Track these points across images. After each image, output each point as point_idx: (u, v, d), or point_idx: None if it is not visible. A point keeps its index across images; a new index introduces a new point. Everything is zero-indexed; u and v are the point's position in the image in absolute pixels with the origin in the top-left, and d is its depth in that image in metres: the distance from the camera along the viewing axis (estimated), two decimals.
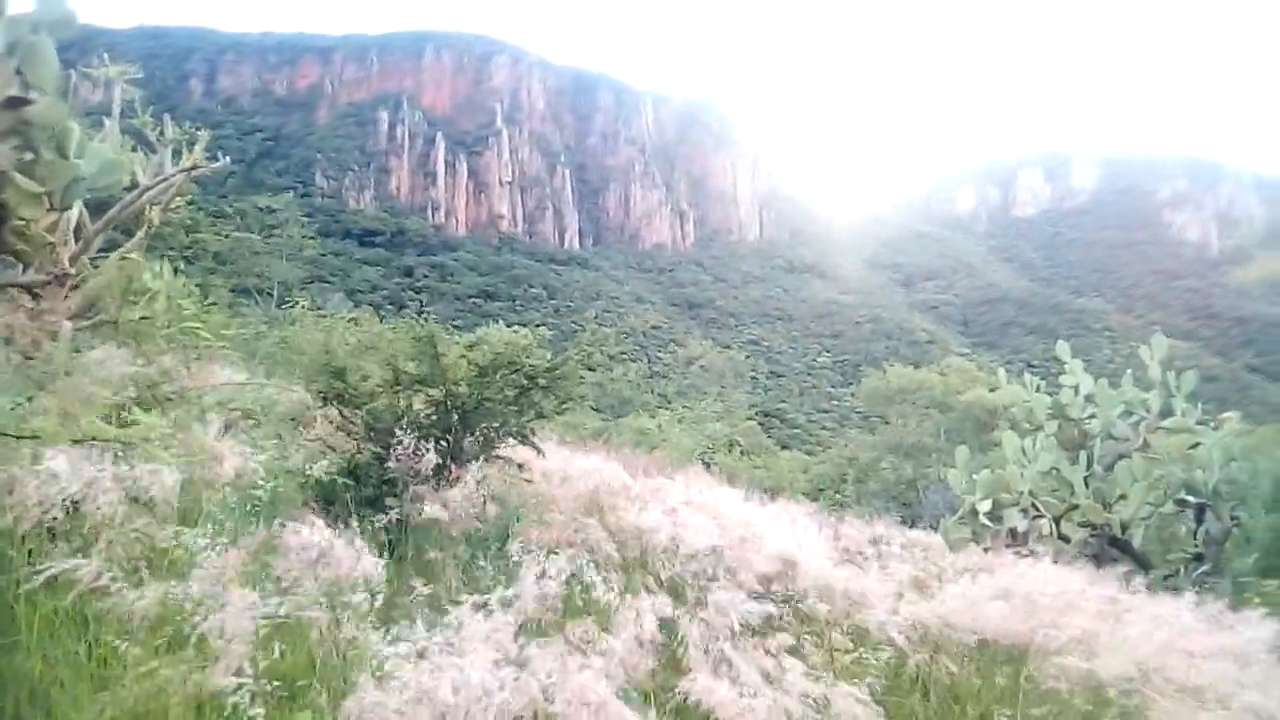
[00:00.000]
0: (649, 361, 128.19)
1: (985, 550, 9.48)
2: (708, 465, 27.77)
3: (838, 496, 31.48)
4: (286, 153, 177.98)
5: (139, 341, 9.08)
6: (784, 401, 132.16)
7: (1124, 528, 12.64)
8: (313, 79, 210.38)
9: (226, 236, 38.84)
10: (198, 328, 9.97)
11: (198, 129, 9.61)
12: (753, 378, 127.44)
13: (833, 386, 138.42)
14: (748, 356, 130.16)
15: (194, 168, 8.84)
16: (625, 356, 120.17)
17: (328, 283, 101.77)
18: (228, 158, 9.67)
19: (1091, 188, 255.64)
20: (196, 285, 12.91)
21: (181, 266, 13.16)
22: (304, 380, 8.78)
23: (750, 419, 62.03)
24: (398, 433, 6.82)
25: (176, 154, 8.86)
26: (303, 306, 18.81)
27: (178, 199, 9.30)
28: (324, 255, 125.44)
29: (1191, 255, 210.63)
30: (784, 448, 68.81)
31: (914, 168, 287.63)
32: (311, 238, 56.21)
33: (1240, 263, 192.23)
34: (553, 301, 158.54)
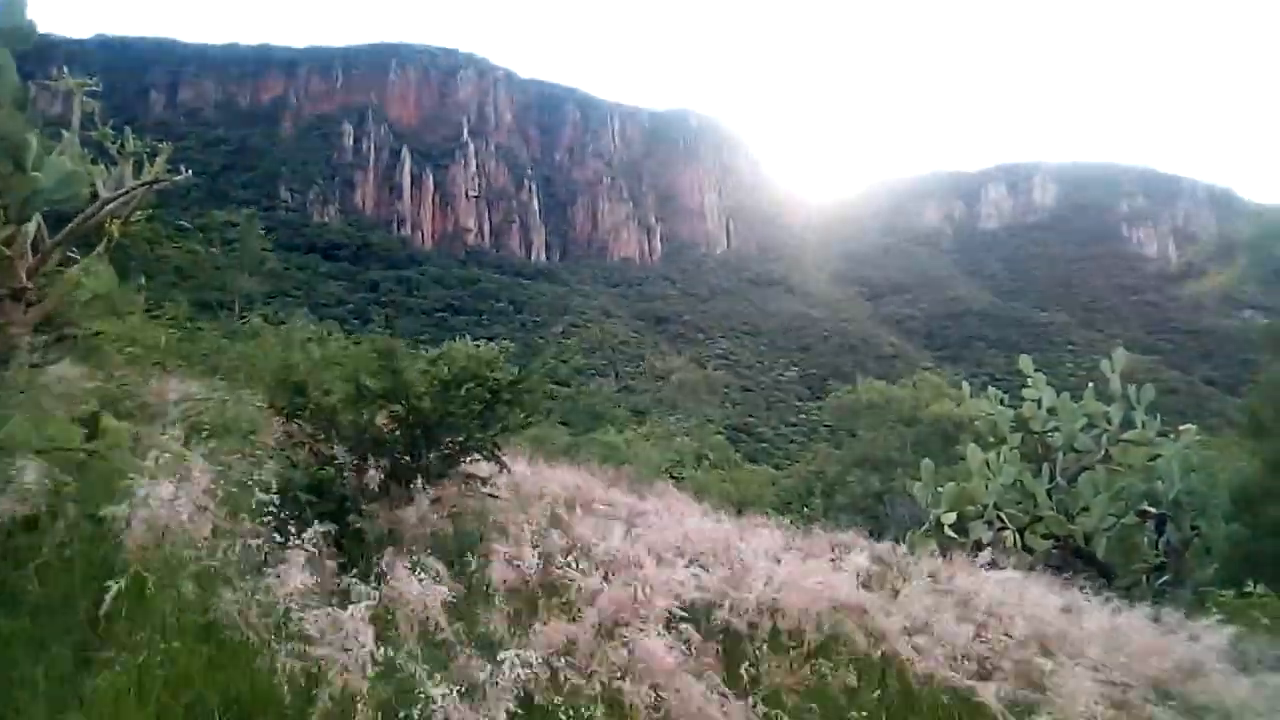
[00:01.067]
0: (617, 375, 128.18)
1: (943, 558, 9.51)
2: (676, 480, 27.74)
3: (805, 510, 31.52)
4: (250, 165, 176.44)
5: (98, 356, 8.94)
6: (752, 415, 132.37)
7: (1087, 539, 12.77)
8: (277, 91, 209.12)
9: (188, 250, 38.34)
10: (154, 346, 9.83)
11: (159, 141, 9.46)
12: (722, 391, 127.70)
13: (800, 400, 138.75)
14: (718, 370, 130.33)
15: (155, 180, 8.71)
16: (593, 371, 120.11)
17: (291, 296, 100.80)
18: (189, 171, 9.52)
19: (1053, 203, 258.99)
20: (154, 299, 12.75)
21: (143, 281, 12.98)
22: (265, 395, 8.67)
23: (718, 433, 62.05)
24: (358, 448, 6.77)
25: (137, 166, 8.71)
26: (264, 320, 18.61)
27: (138, 212, 9.16)
28: (287, 269, 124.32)
29: (1150, 269, 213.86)
30: (752, 461, 68.93)
31: (881, 182, 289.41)
32: (273, 251, 55.66)
33: (1195, 277, 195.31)
34: (520, 316, 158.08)
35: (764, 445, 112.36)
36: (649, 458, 34.21)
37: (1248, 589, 12.14)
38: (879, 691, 5.36)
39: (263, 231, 55.80)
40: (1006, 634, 6.28)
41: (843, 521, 19.98)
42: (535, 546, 6.33)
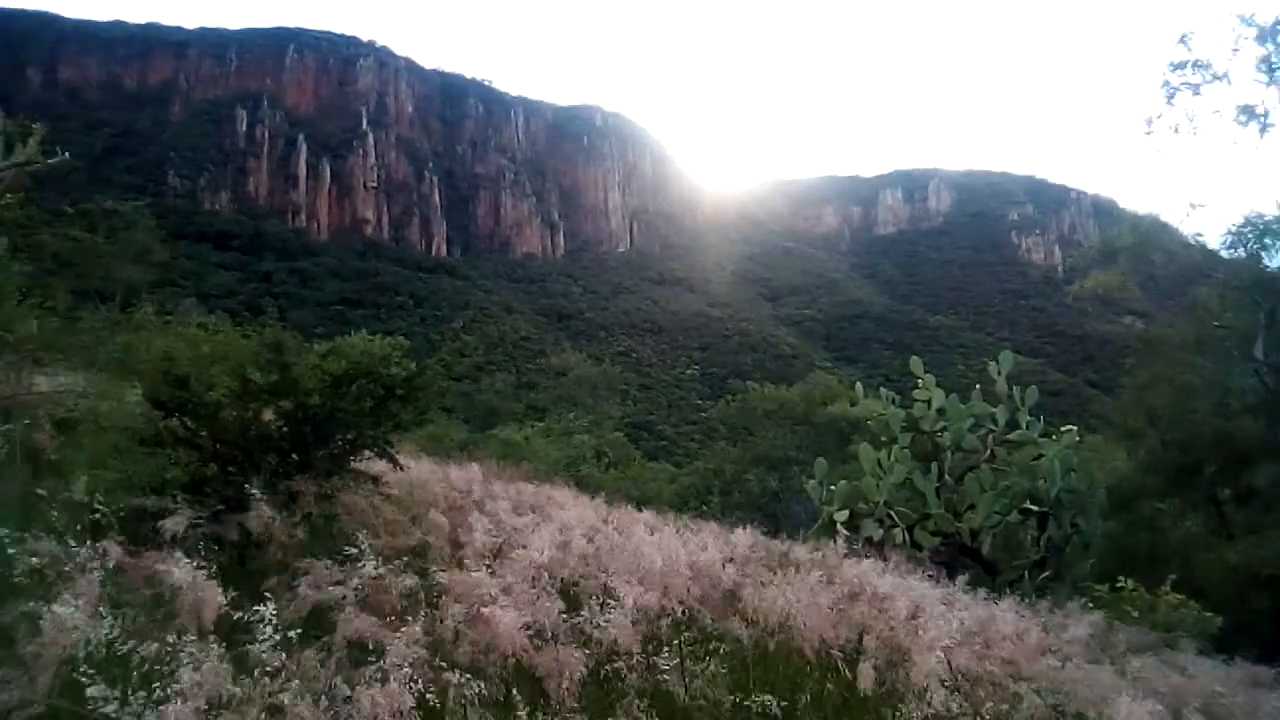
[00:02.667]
0: (518, 372, 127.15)
1: (819, 553, 9.74)
2: (575, 477, 27.63)
3: (703, 508, 31.74)
4: (137, 150, 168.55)
5: None
6: (652, 413, 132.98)
7: (973, 536, 13.17)
8: (165, 74, 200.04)
9: (68, 237, 36.46)
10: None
11: (34, 121, 8.98)
12: (622, 389, 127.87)
13: (701, 399, 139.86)
14: (621, 370, 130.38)
15: (28, 162, 8.27)
16: (494, 367, 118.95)
17: (179, 287, 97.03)
18: (67, 154, 9.07)
19: (947, 210, 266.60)
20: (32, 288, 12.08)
21: (16, 268, 12.25)
22: (145, 390, 8.27)
23: (618, 430, 62.07)
24: (242, 445, 6.52)
25: (9, 147, 8.25)
26: (148, 311, 17.81)
27: (9, 195, 8.68)
28: (175, 258, 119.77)
29: (1037, 276, 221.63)
30: (652, 459, 69.16)
31: (781, 185, 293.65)
32: (162, 240, 53.38)
33: (1078, 282, 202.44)
34: (420, 310, 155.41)
35: (664, 443, 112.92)
36: (547, 455, 33.98)
37: (1120, 583, 12.68)
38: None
39: (150, 220, 53.50)
40: (881, 614, 6.57)
41: (740, 518, 20.20)
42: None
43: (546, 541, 6.35)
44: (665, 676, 5.09)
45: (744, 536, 8.96)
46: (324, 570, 5.06)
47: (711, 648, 5.65)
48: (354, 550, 4.99)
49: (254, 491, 6.07)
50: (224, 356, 8.08)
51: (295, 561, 5.37)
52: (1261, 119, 24.05)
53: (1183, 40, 25.13)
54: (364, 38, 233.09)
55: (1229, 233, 24.80)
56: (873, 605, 6.86)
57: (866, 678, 5.19)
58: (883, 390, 15.16)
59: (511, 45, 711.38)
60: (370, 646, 4.22)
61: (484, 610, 4.58)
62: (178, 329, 12.01)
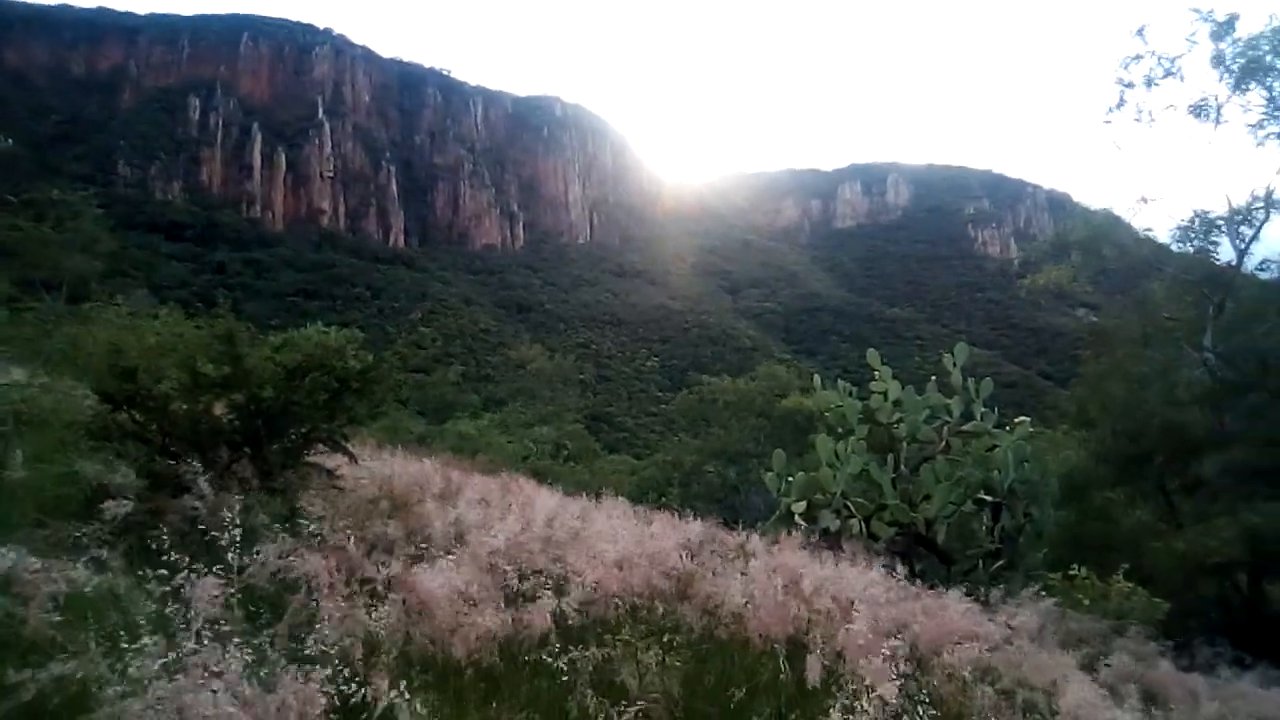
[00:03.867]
0: (477, 365, 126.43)
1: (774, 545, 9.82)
2: (533, 470, 27.55)
3: (663, 499, 31.80)
4: (85, 138, 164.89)
5: None
6: (612, 405, 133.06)
7: (928, 526, 13.29)
8: (115, 60, 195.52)
9: (12, 227, 35.54)
10: None
11: None
12: (582, 381, 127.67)
13: (661, 391, 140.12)
14: (577, 360, 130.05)
15: None
16: (452, 359, 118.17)
17: (130, 277, 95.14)
18: (10, 140, 8.81)
19: (905, 203, 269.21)
20: None
21: None
22: (93, 383, 8.08)
23: (577, 423, 62.00)
24: (193, 439, 6.40)
25: None
26: (98, 302, 17.46)
27: None
28: (126, 248, 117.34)
29: (993, 269, 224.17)
30: (613, 451, 69.15)
31: (741, 177, 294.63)
32: (111, 230, 52.23)
33: (1032, 274, 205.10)
34: (377, 302, 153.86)
35: (624, 435, 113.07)
36: (505, 447, 33.89)
37: (1073, 571, 12.89)
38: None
39: (99, 209, 52.30)
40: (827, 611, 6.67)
41: (699, 509, 20.26)
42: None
43: (501, 532, 6.32)
44: (617, 667, 5.07)
45: (698, 527, 9.03)
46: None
47: (665, 640, 5.65)
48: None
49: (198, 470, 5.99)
50: (173, 348, 7.92)
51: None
52: (1215, 111, 24.59)
53: (1139, 33, 25.58)
54: (320, 25, 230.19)
55: (1179, 228, 25.31)
56: (820, 597, 6.92)
57: (814, 670, 5.22)
58: (840, 382, 15.24)
59: (471, 34, 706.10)
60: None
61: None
62: (124, 319, 11.78)
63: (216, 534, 4.37)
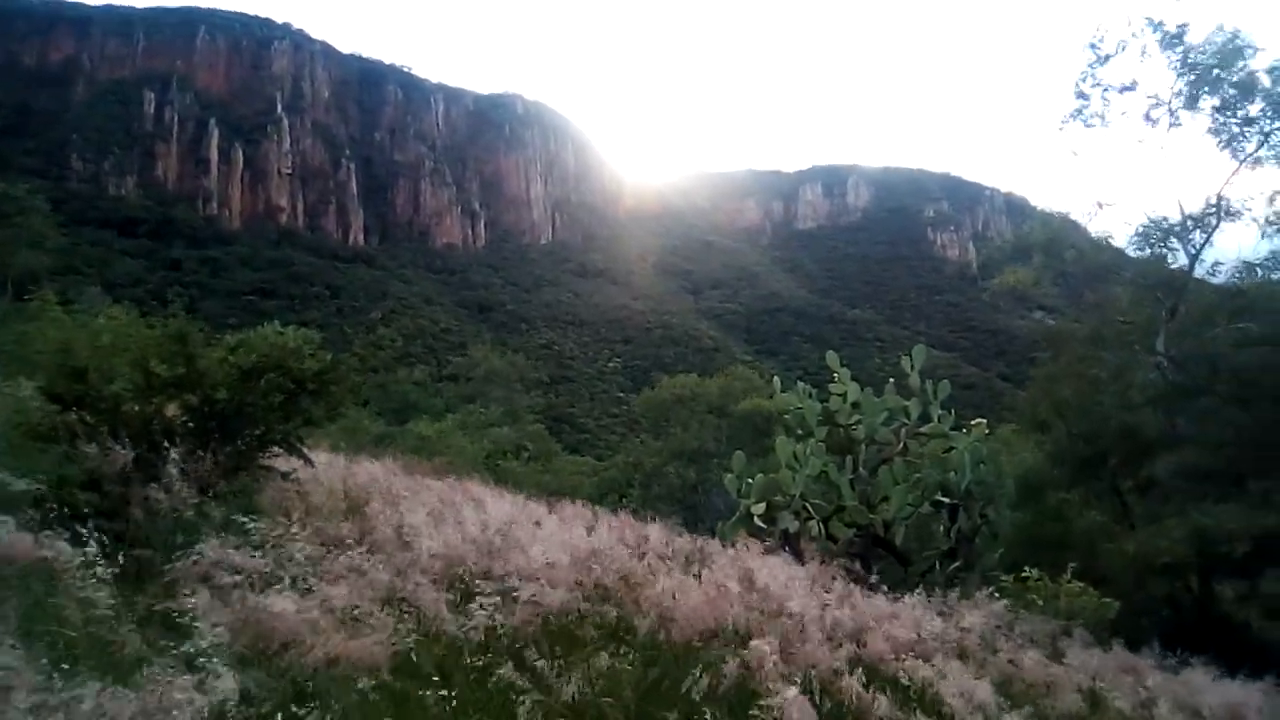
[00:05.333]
0: (438, 364, 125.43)
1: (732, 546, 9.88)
2: (493, 471, 27.43)
3: (623, 501, 31.79)
4: (37, 131, 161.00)
5: None
6: (574, 406, 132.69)
7: (886, 527, 13.39)
8: (68, 51, 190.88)
9: None
10: None
11: None
12: (543, 382, 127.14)
13: (622, 391, 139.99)
14: (538, 361, 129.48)
15: None
16: (413, 359, 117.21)
17: (82, 274, 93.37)
18: None
19: (865, 205, 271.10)
20: None
21: None
22: (42, 383, 7.91)
23: (538, 423, 61.78)
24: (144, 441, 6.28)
25: None
26: (47, 300, 17.14)
27: None
28: (78, 245, 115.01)
29: (952, 272, 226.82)
30: (574, 452, 68.96)
31: (703, 178, 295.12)
32: (63, 226, 51.23)
33: (991, 277, 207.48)
34: (336, 301, 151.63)
35: (586, 436, 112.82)
36: (465, 449, 33.67)
37: (1025, 573, 13.04)
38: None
39: (47, 205, 51.10)
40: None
41: (660, 511, 20.29)
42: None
43: (451, 534, 6.32)
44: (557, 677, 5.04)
45: (656, 530, 9.05)
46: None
47: (611, 649, 5.64)
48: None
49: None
50: (125, 348, 7.77)
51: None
52: (1169, 113, 25.09)
53: (1093, 46, 26.04)
54: (278, 19, 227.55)
55: (1136, 234, 25.81)
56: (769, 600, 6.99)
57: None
58: (800, 384, 15.32)
59: (432, 32, 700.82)
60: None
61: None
62: (76, 318, 11.56)
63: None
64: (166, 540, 5.82)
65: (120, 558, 5.01)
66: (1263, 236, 24.46)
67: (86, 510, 5.77)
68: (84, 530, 4.89)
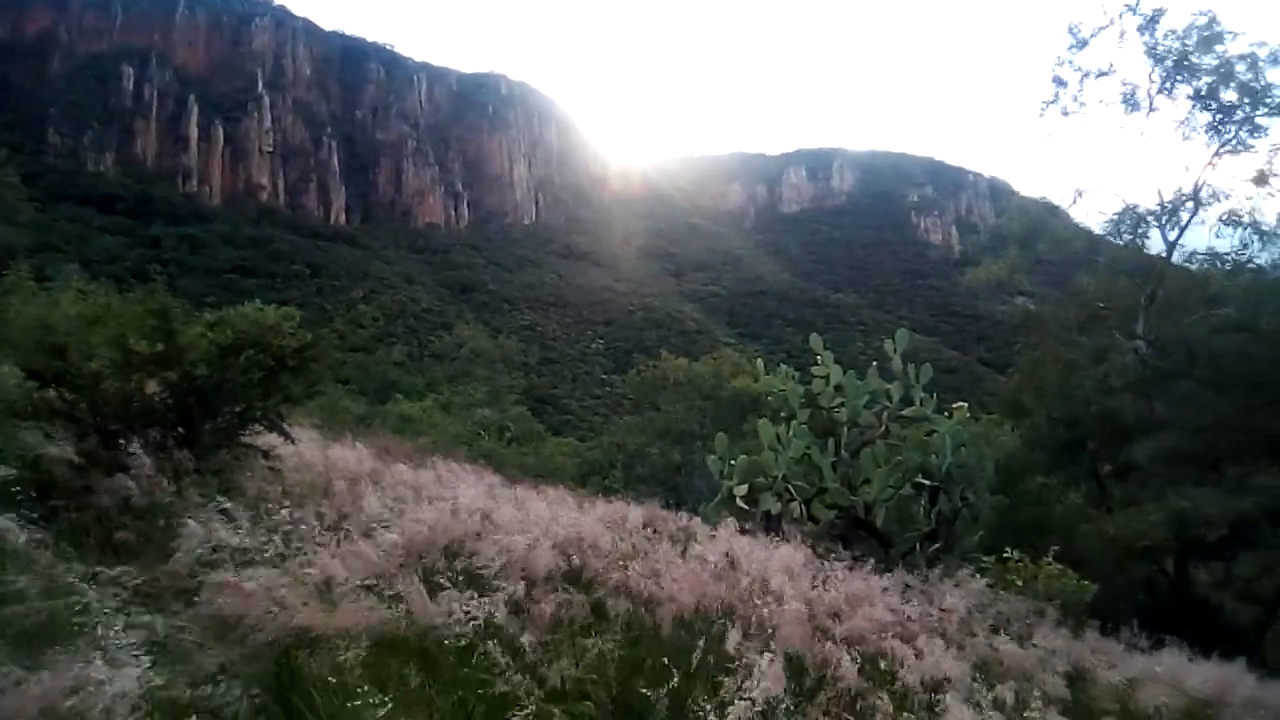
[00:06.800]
0: (420, 345, 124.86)
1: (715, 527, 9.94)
2: (476, 452, 27.38)
3: (606, 482, 31.83)
4: (12, 105, 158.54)
5: None
6: (557, 387, 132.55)
7: (868, 509, 13.46)
8: (44, 24, 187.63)
9: None
10: None
11: None
12: (526, 363, 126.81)
13: (605, 373, 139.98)
14: (521, 342, 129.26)
15: None
16: (394, 339, 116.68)
17: (59, 251, 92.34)
18: None
19: (849, 189, 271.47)
20: None
21: None
22: (19, 359, 7.81)
23: (520, 404, 61.63)
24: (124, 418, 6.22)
25: None
26: (22, 275, 16.95)
27: None
28: (56, 221, 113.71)
29: (935, 256, 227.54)
30: (556, 433, 68.95)
31: (687, 160, 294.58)
32: (39, 202, 50.49)
33: (971, 265, 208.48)
34: (316, 280, 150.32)
35: (569, 417, 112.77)
36: (447, 429, 33.59)
37: (1006, 554, 13.15)
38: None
39: (16, 177, 50.19)
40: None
41: (643, 491, 20.30)
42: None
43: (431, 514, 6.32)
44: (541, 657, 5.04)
45: (640, 512, 9.08)
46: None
47: (597, 629, 5.66)
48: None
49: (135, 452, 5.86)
50: (98, 319, 7.67)
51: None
52: (1147, 99, 25.22)
53: (1072, 31, 26.11)
54: None
55: (1110, 220, 25.99)
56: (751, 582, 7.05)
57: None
58: (783, 366, 15.34)
59: (415, 10, 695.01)
60: None
61: None
62: (53, 294, 11.43)
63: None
64: (143, 520, 5.78)
65: (90, 537, 4.97)
66: (1218, 233, 24.65)
67: (55, 492, 5.71)
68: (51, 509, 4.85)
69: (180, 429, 7.33)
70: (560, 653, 5.07)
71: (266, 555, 5.22)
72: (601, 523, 8.26)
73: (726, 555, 7.78)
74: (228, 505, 5.72)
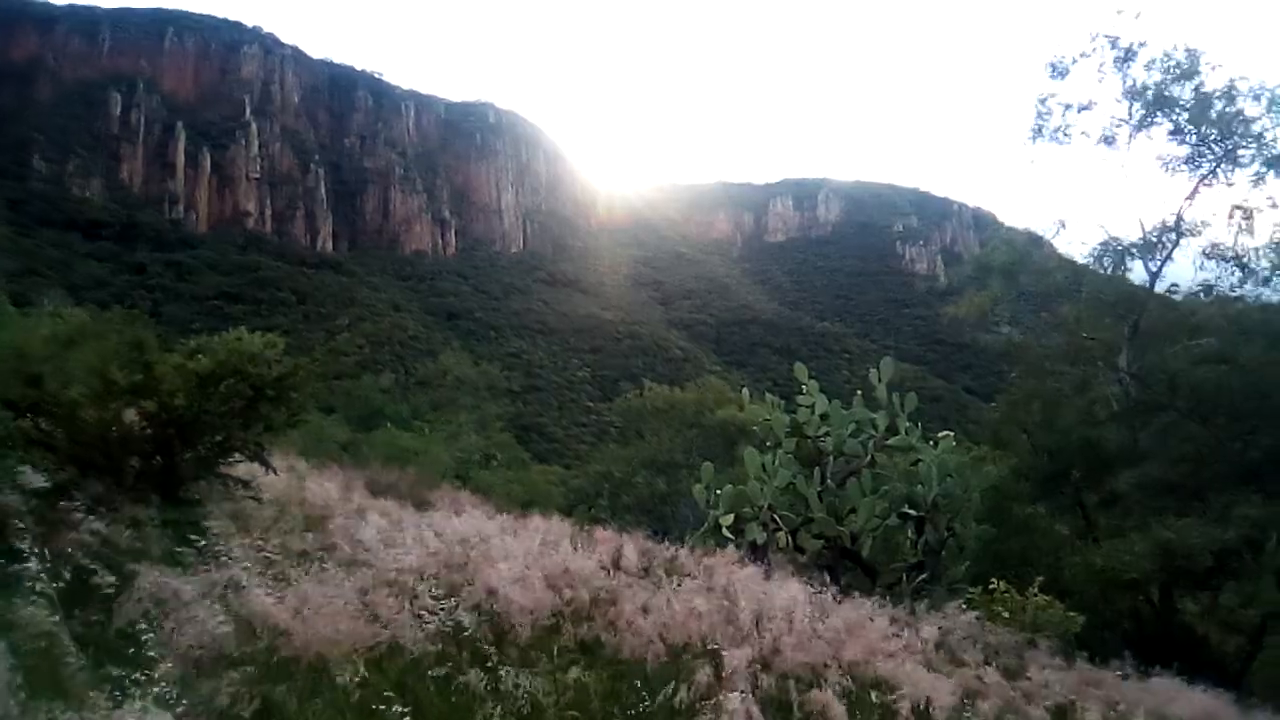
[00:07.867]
0: (406, 372, 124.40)
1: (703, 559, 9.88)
2: (463, 480, 27.25)
3: (592, 511, 31.66)
4: None
5: None
6: (543, 415, 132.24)
7: (854, 539, 13.41)
8: (31, 50, 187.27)
9: None
10: None
11: None
12: (512, 390, 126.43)
13: (591, 401, 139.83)
14: (506, 369, 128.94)
15: None
16: (380, 366, 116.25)
17: (43, 276, 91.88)
18: None
19: (835, 219, 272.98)
20: None
21: None
22: None
23: (505, 431, 61.41)
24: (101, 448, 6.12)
25: None
26: (10, 301, 16.77)
27: None
28: (41, 246, 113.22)
29: (920, 286, 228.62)
30: (542, 461, 68.69)
31: (674, 189, 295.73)
32: (24, 228, 50.42)
33: (956, 295, 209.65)
34: (303, 306, 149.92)
35: (555, 445, 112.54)
36: (433, 457, 33.37)
37: (992, 585, 13.10)
38: None
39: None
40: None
41: (629, 521, 20.19)
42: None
43: (416, 547, 6.25)
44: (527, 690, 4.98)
45: (629, 543, 9.01)
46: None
47: (583, 662, 5.60)
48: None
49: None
50: (73, 342, 7.56)
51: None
52: (1128, 138, 25.43)
53: (1052, 65, 26.37)
54: (248, 23, 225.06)
55: (1093, 253, 26.16)
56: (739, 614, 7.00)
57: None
58: (769, 395, 15.34)
59: (404, 38, 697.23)
60: None
61: None
62: (31, 321, 11.30)
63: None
64: (111, 562, 5.68)
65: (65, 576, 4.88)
66: (1200, 265, 24.75)
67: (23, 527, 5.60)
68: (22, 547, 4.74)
69: (158, 458, 7.23)
70: (544, 682, 5.01)
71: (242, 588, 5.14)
72: (591, 555, 8.18)
73: (717, 588, 7.72)
74: (203, 544, 5.62)
